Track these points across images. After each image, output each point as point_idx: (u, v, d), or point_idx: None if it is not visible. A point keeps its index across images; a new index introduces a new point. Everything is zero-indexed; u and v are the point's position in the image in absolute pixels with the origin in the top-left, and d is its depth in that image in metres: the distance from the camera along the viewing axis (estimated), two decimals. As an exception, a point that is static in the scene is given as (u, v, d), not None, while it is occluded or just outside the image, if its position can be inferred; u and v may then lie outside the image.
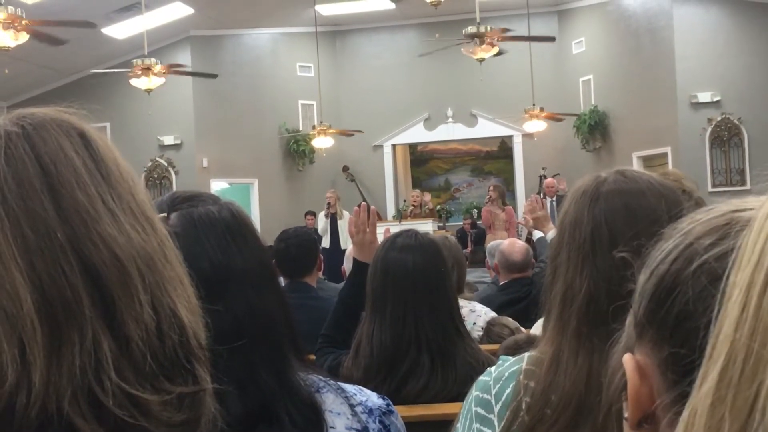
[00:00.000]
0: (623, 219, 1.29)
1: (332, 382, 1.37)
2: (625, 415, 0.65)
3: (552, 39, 12.47)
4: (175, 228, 1.23)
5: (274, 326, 1.31)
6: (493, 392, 1.36)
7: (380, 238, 2.79)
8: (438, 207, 15.84)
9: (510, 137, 16.49)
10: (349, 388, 1.39)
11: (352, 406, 1.35)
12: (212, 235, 1.28)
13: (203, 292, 1.20)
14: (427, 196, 14.18)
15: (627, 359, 0.65)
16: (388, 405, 1.41)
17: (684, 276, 0.61)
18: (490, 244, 5.68)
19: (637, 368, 0.64)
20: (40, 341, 0.64)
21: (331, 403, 1.34)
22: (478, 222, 13.73)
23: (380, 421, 1.37)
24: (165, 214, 1.26)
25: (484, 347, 2.79)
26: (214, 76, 12.09)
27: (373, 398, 1.40)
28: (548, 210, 11.19)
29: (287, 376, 1.30)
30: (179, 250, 1.25)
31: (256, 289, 1.31)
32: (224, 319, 1.21)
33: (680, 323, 0.61)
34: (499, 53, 10.98)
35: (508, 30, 11.04)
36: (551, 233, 4.92)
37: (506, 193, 13.85)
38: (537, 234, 4.89)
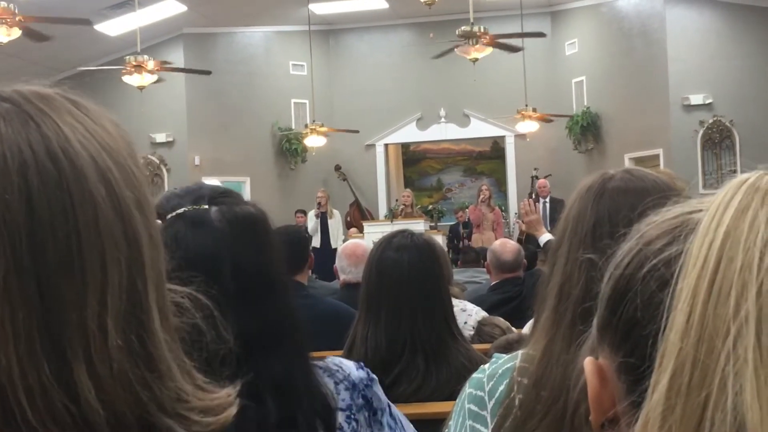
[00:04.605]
0: (626, 216, 1.29)
1: (317, 360, 1.42)
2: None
3: (543, 35, 12.50)
4: (219, 222, 1.29)
5: (300, 326, 1.36)
6: (487, 389, 1.36)
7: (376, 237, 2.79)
8: (430, 207, 15.83)
9: (502, 138, 16.49)
10: (331, 364, 1.43)
11: (336, 384, 1.40)
12: (254, 235, 1.32)
13: (248, 290, 1.25)
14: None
15: (587, 363, 0.64)
16: (369, 376, 1.46)
17: (634, 281, 0.59)
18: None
19: (597, 372, 0.63)
20: None
21: None
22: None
23: (363, 396, 1.42)
24: (206, 207, 1.30)
25: (475, 347, 2.79)
26: (207, 72, 12.05)
27: (353, 371, 1.43)
28: (541, 211, 11.19)
29: (312, 376, 1.35)
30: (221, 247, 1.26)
31: (288, 289, 1.37)
32: (269, 319, 1.29)
33: (630, 331, 0.59)
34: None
35: (501, 36, 11.07)
36: (544, 237, 4.93)
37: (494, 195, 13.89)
38: (544, 238, 4.88)
